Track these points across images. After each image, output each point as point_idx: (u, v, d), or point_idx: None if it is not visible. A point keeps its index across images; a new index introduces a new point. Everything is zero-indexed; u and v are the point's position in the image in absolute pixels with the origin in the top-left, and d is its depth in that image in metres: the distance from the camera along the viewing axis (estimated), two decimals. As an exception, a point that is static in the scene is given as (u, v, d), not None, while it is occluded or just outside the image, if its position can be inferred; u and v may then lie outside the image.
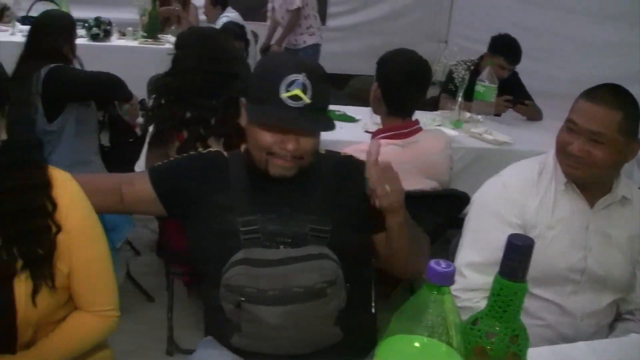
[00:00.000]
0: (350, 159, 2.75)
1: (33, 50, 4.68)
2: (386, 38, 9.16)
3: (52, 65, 4.58)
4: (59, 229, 2.20)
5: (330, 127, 2.48)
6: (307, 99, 2.37)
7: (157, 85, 4.16)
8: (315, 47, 9.27)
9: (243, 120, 2.58)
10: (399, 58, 3.76)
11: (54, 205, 2.20)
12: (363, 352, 2.39)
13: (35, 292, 2.17)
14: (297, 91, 2.37)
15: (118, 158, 4.96)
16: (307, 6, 9.30)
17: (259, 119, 2.50)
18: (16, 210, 2.15)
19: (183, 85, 3.89)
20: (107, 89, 4.90)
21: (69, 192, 2.26)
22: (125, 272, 4.79)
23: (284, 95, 2.37)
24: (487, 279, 1.74)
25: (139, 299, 4.83)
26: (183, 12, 9.26)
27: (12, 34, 8.74)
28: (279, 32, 9.63)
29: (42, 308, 2.20)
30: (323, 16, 10.93)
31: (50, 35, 4.74)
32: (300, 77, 2.37)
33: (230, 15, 9.22)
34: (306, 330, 2.42)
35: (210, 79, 3.84)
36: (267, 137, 2.47)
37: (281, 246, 2.45)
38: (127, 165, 4.69)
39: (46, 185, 2.21)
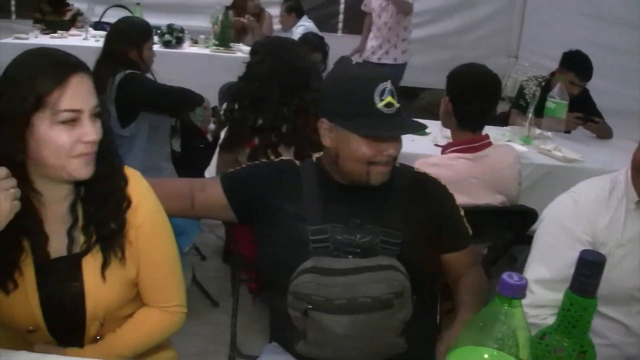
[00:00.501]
0: (424, 176, 2.75)
1: (106, 54, 4.76)
2: (456, 52, 9.16)
3: (127, 72, 4.63)
4: (129, 203, 2.28)
5: (422, 125, 2.57)
6: (396, 104, 2.44)
7: (231, 89, 4.19)
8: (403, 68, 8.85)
9: (327, 141, 2.58)
10: (469, 72, 3.76)
11: (126, 181, 2.30)
12: (425, 365, 2.38)
13: (104, 265, 2.24)
14: (389, 98, 2.42)
15: (189, 163, 4.98)
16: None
17: (367, 133, 2.50)
18: (105, 191, 2.24)
19: (256, 90, 3.91)
20: (177, 103, 4.93)
21: (139, 188, 2.34)
22: (192, 276, 4.83)
23: (380, 104, 2.42)
24: (555, 296, 1.74)
25: (203, 303, 4.88)
26: (255, 24, 9.30)
27: (85, 39, 8.96)
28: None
29: (114, 292, 2.28)
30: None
31: (121, 41, 4.80)
32: (388, 84, 2.42)
33: (306, 24, 9.24)
34: (371, 340, 2.43)
35: (283, 87, 3.85)
36: (368, 149, 2.50)
37: (350, 256, 2.47)
38: (197, 171, 4.73)
39: (121, 168, 2.32)
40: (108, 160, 2.23)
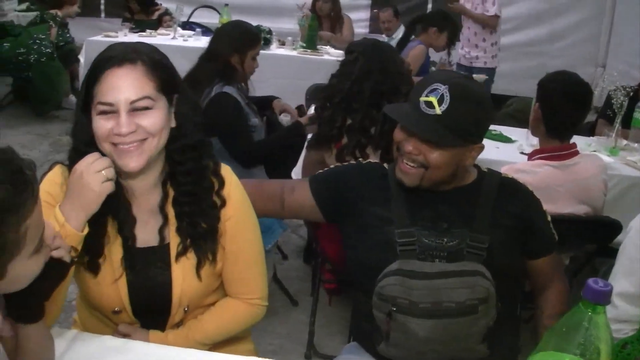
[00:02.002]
0: (512, 181, 2.72)
1: (209, 53, 4.78)
2: (544, 60, 9.07)
3: (222, 91, 4.57)
4: (224, 203, 2.34)
5: (441, 143, 2.46)
6: (438, 110, 2.39)
7: (318, 90, 4.21)
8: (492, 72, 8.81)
9: None
10: (561, 79, 3.70)
11: (222, 182, 2.35)
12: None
13: (199, 265, 2.31)
14: (432, 98, 2.40)
15: (275, 164, 4.99)
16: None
17: (388, 108, 2.60)
18: (194, 189, 2.30)
19: (347, 89, 3.94)
20: (242, 154, 4.70)
21: (229, 180, 2.39)
22: (273, 274, 4.87)
23: (422, 98, 2.42)
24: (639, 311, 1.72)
25: (283, 302, 4.90)
26: (333, 36, 9.28)
27: (173, 38, 9.12)
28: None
29: (201, 284, 2.35)
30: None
31: (225, 43, 4.80)
32: (442, 88, 2.40)
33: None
34: (453, 345, 2.44)
35: (374, 88, 3.88)
36: (397, 133, 2.54)
37: (436, 260, 2.47)
38: (284, 171, 4.79)
39: (216, 165, 2.37)
40: (192, 161, 2.28)
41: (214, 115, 4.36)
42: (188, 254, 2.31)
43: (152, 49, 2.21)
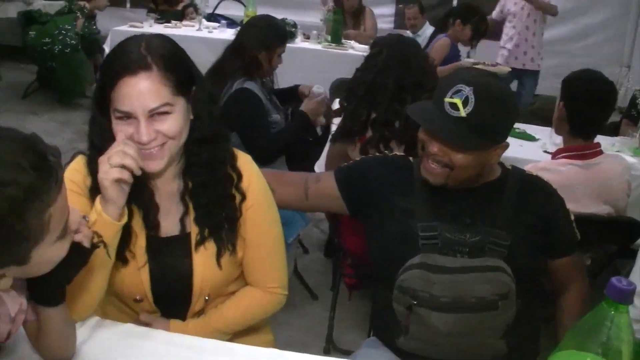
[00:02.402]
0: (536, 179, 2.72)
1: (236, 47, 4.75)
2: (568, 59, 9.03)
3: (244, 86, 4.55)
4: (244, 197, 2.36)
5: (470, 147, 2.45)
6: (462, 112, 2.37)
7: (342, 85, 4.22)
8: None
9: None
10: (586, 78, 3.68)
11: (239, 176, 2.36)
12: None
13: (219, 254, 2.33)
14: (456, 100, 2.38)
15: (299, 156, 4.98)
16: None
17: (411, 109, 2.60)
18: (209, 180, 2.30)
19: (371, 82, 3.95)
20: (255, 156, 4.68)
21: (249, 170, 2.41)
22: (293, 267, 4.88)
23: (446, 99, 2.40)
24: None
25: (303, 295, 4.93)
26: (358, 33, 9.26)
27: (198, 30, 9.15)
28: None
29: (221, 272, 2.36)
30: (499, 32, 10.79)
31: (255, 39, 4.74)
32: (466, 90, 2.37)
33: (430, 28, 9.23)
34: (473, 340, 2.45)
35: (398, 82, 3.88)
36: (422, 134, 2.54)
37: (458, 254, 2.47)
38: (307, 164, 4.78)
39: (233, 157, 2.37)
40: (207, 153, 2.28)
41: (232, 111, 4.36)
42: (207, 244, 2.33)
43: (164, 46, 2.17)
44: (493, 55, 8.75)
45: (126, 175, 2.04)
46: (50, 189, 1.53)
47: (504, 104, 2.45)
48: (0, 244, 1.50)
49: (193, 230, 2.34)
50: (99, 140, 2.17)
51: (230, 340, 2.43)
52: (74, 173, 2.25)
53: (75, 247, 1.76)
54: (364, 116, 3.98)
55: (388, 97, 3.89)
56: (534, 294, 2.62)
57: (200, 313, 2.45)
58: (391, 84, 3.89)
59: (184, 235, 2.35)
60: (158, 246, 2.32)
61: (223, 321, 2.44)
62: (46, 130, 8.34)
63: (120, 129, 2.09)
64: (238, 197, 2.36)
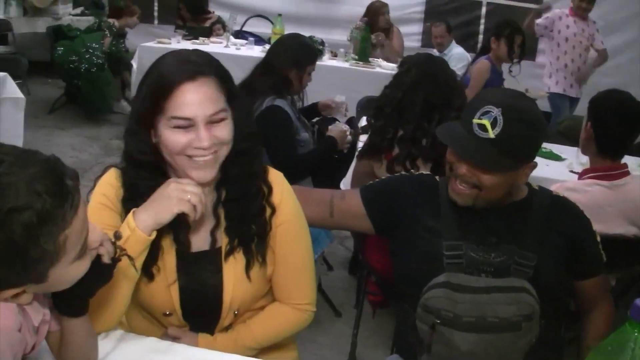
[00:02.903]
0: (563, 200, 2.70)
1: (266, 65, 4.78)
2: (595, 79, 8.96)
3: (274, 104, 4.58)
4: (274, 210, 2.37)
5: (499, 169, 2.44)
6: (491, 134, 2.37)
7: (370, 102, 4.23)
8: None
9: None
10: (614, 98, 3.64)
11: (270, 189, 2.37)
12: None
13: (248, 266, 2.34)
14: (485, 121, 2.38)
15: (324, 173, 4.99)
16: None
17: (440, 131, 2.58)
18: (243, 193, 2.32)
19: (399, 100, 3.97)
20: (285, 172, 4.72)
21: (281, 186, 2.42)
22: (318, 284, 4.88)
23: (475, 120, 2.40)
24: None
25: (327, 312, 4.92)
26: (385, 40, 9.25)
27: (225, 47, 9.19)
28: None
29: (251, 286, 2.37)
30: (533, 52, 10.74)
31: (286, 57, 4.79)
32: (495, 111, 2.36)
33: (458, 48, 9.23)
34: None
35: (426, 100, 3.90)
36: (450, 155, 2.53)
37: (483, 274, 2.47)
38: (332, 182, 4.79)
39: (265, 171, 2.40)
40: (243, 165, 2.30)
41: (263, 128, 4.35)
42: (236, 255, 2.33)
43: (214, 58, 2.23)
44: (527, 76, 8.72)
45: (193, 214, 2.11)
46: (65, 213, 1.54)
47: (532, 125, 2.44)
48: (16, 266, 1.51)
49: (223, 241, 2.35)
50: (138, 154, 2.18)
51: (256, 355, 2.42)
52: (107, 187, 2.27)
53: (97, 262, 1.78)
54: (391, 133, 3.99)
55: (416, 115, 3.90)
56: (558, 315, 2.60)
57: (228, 327, 2.45)
58: (419, 101, 3.90)
59: (215, 250, 2.36)
60: (188, 262, 2.32)
61: (251, 337, 2.44)
62: (73, 144, 8.42)
63: (176, 139, 2.10)
64: (268, 211, 2.37)
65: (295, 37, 5.21)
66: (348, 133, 4.99)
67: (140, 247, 2.10)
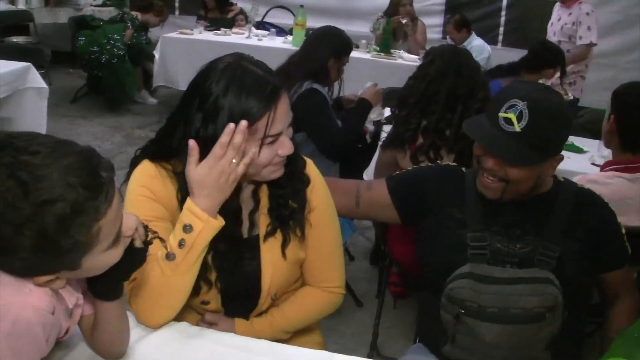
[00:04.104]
0: (589, 192, 2.70)
1: (305, 56, 4.90)
2: (616, 72, 8.95)
3: (313, 87, 4.70)
4: (309, 180, 2.42)
5: (526, 162, 2.45)
6: (517, 127, 2.37)
7: (392, 94, 4.26)
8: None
9: None
10: (636, 92, 3.63)
11: (304, 163, 2.44)
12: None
13: (284, 243, 2.38)
14: (510, 115, 2.39)
15: (347, 164, 5.04)
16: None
17: (466, 125, 2.62)
18: (287, 171, 2.33)
19: (423, 90, 3.99)
20: (331, 153, 4.86)
21: (313, 172, 2.47)
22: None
23: (501, 114, 2.41)
24: None
25: (348, 302, 4.92)
26: (410, 28, 9.22)
27: (247, 37, 9.26)
28: None
29: (287, 264, 2.41)
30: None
31: (325, 47, 4.93)
32: (520, 105, 2.37)
33: (478, 42, 9.20)
34: (518, 351, 2.46)
35: (450, 91, 3.92)
36: (477, 148, 2.56)
37: (507, 265, 2.49)
38: (356, 172, 4.82)
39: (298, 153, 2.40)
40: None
41: (303, 110, 4.42)
42: (276, 235, 2.37)
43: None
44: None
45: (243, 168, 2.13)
46: (99, 205, 1.56)
47: (558, 118, 2.45)
48: (49, 256, 1.54)
49: (263, 222, 2.38)
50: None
51: (284, 340, 2.45)
52: (145, 177, 2.28)
53: (130, 246, 1.80)
54: (414, 124, 4.02)
55: (440, 106, 3.93)
56: (580, 307, 2.61)
57: (263, 312, 2.49)
58: (443, 92, 3.93)
59: (253, 237, 2.39)
60: (226, 249, 2.34)
61: (286, 320, 2.48)
62: (95, 134, 8.46)
63: (263, 155, 2.15)
64: (305, 182, 2.42)
65: (334, 28, 5.31)
66: (379, 90, 5.10)
67: (213, 235, 2.13)
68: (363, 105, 4.96)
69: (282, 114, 2.13)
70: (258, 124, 2.09)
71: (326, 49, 4.91)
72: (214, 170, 2.08)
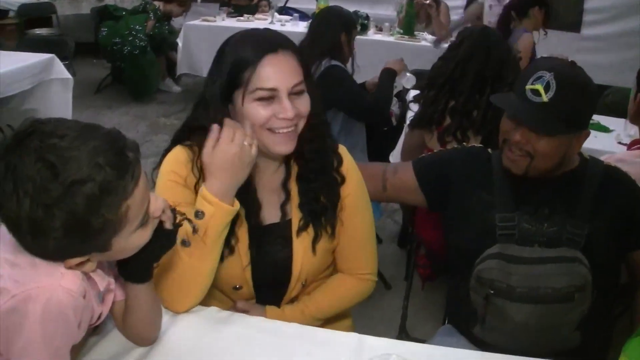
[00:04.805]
0: (617, 170, 2.69)
1: (316, 37, 4.95)
2: (641, 51, 8.86)
3: (332, 63, 4.79)
4: (343, 180, 2.42)
5: (549, 131, 2.44)
6: (544, 98, 2.37)
7: (430, 69, 4.28)
8: None
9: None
10: None
11: (340, 161, 2.43)
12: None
13: (315, 239, 2.39)
14: (538, 86, 2.39)
15: (373, 147, 5.09)
16: None
17: (494, 98, 2.63)
18: (318, 166, 2.38)
19: (451, 71, 3.99)
20: (367, 112, 5.05)
21: (347, 158, 2.47)
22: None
23: (528, 86, 2.41)
24: None
25: (378, 285, 4.86)
26: (434, 10, 9.18)
27: (270, 23, 9.24)
28: None
29: (316, 258, 2.42)
30: (578, 25, 10.60)
31: (334, 23, 5.03)
32: (547, 76, 2.38)
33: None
34: (548, 331, 2.46)
35: (478, 72, 3.91)
36: (505, 122, 2.55)
37: (535, 244, 2.48)
38: (382, 154, 4.84)
39: (334, 143, 2.45)
40: (319, 139, 2.35)
41: (328, 87, 4.52)
42: (308, 229, 2.38)
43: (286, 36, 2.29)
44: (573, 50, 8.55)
45: (256, 150, 2.16)
46: (126, 184, 1.58)
47: (584, 90, 2.45)
48: (80, 236, 1.56)
49: (295, 216, 2.39)
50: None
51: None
52: (175, 164, 2.31)
53: (160, 229, 1.82)
54: (442, 104, 4.01)
55: (468, 87, 3.92)
56: (609, 286, 2.61)
57: (294, 299, 2.51)
58: (471, 74, 3.92)
59: (285, 222, 2.41)
60: (259, 234, 2.36)
61: (317, 308, 2.49)
62: (120, 123, 8.49)
63: (259, 112, 2.15)
64: (339, 179, 2.43)
65: (336, 7, 5.49)
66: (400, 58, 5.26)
67: (228, 219, 2.15)
68: (388, 73, 5.09)
69: (279, 69, 2.15)
70: (251, 76, 2.13)
71: (336, 26, 5.02)
72: (227, 153, 2.10)
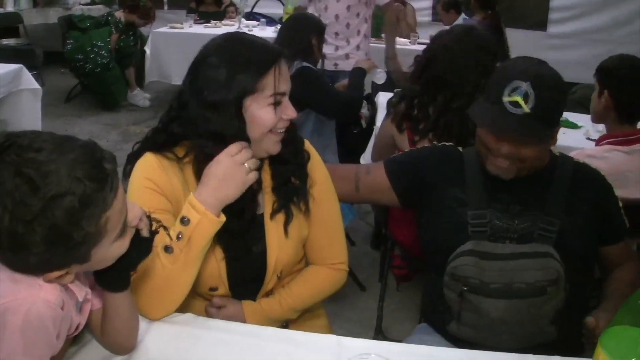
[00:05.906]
0: (585, 166, 2.72)
1: (287, 40, 4.97)
2: (610, 47, 8.89)
3: (304, 64, 4.83)
4: (309, 157, 2.48)
5: (542, 140, 2.48)
6: (526, 109, 2.37)
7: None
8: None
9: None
10: (628, 66, 3.62)
11: (303, 141, 2.51)
12: (574, 353, 2.33)
13: (287, 221, 2.42)
14: (517, 98, 2.38)
15: (343, 149, 5.12)
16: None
17: (476, 118, 2.57)
18: (291, 150, 2.42)
19: (421, 72, 3.91)
20: (340, 111, 5.13)
21: (313, 153, 2.53)
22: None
23: (506, 99, 2.40)
24: None
25: (352, 287, 4.96)
26: (402, 13, 9.16)
27: (238, 28, 9.22)
28: None
29: (290, 241, 2.45)
30: (544, 23, 10.68)
31: (304, 26, 5.12)
32: (524, 85, 2.37)
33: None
34: (523, 326, 2.47)
35: (438, 75, 3.80)
36: (487, 136, 2.53)
37: (507, 241, 2.51)
38: (353, 156, 4.87)
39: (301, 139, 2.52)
40: (292, 127, 2.38)
41: (301, 86, 4.44)
42: (282, 212, 2.42)
43: None
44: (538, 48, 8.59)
45: (255, 176, 2.23)
46: (105, 196, 1.58)
47: (559, 89, 2.49)
48: (60, 249, 1.55)
49: (268, 201, 2.42)
50: (229, 129, 2.20)
51: (289, 327, 2.50)
52: (148, 169, 2.29)
53: (136, 237, 1.82)
54: (415, 104, 3.93)
55: (426, 88, 3.82)
56: (583, 280, 2.62)
57: (269, 293, 2.52)
58: (430, 75, 3.79)
59: (258, 217, 2.42)
60: (233, 234, 2.35)
61: (293, 300, 2.51)
62: (91, 132, 8.48)
63: (272, 116, 2.22)
64: (306, 156, 2.49)
65: (304, 12, 5.88)
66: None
67: (212, 230, 2.16)
68: (357, 72, 5.22)
69: (285, 74, 2.24)
70: (266, 79, 2.18)
71: (307, 28, 5.10)
72: (223, 164, 2.14)
